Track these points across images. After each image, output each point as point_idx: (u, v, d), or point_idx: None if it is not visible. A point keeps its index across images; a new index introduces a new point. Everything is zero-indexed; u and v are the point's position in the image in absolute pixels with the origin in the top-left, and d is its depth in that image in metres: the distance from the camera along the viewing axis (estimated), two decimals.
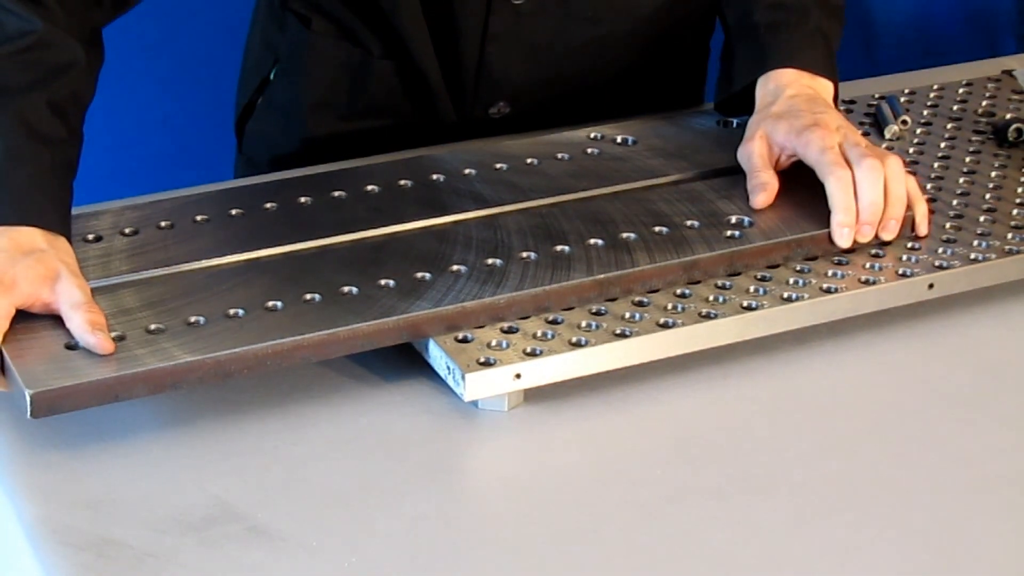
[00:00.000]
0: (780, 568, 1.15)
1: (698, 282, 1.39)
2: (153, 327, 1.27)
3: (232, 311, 1.30)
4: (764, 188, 1.48)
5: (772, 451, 1.27)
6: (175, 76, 2.56)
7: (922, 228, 1.47)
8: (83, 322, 1.26)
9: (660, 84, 1.77)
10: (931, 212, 1.49)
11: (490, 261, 1.38)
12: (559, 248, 1.40)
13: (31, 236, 1.31)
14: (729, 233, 1.43)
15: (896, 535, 1.18)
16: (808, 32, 1.59)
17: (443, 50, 1.65)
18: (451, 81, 1.67)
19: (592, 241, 1.41)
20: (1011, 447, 1.29)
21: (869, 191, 1.44)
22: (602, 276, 1.36)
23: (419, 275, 1.35)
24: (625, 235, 1.42)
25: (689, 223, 1.44)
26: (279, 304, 1.31)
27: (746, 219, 1.45)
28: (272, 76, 1.74)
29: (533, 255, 1.39)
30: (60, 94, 1.38)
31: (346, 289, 1.33)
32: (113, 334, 1.26)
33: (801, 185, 1.49)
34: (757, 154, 1.50)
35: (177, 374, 1.24)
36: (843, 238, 1.43)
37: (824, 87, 1.57)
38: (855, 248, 1.43)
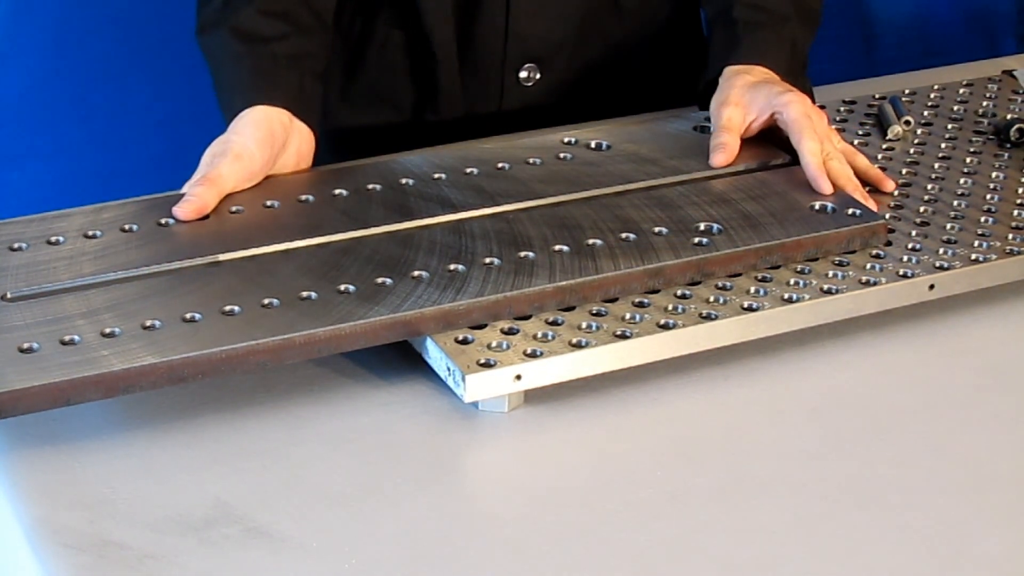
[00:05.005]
0: (780, 568, 1.15)
1: (699, 283, 1.39)
2: (109, 330, 1.27)
3: (189, 315, 1.29)
4: (724, 148, 1.54)
5: (772, 451, 1.27)
6: (171, 76, 2.55)
7: (887, 185, 1.55)
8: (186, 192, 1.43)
9: (688, 46, 1.78)
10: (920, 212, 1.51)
11: (452, 267, 1.37)
12: (523, 254, 1.39)
13: (256, 113, 1.49)
14: (697, 240, 1.42)
15: (896, 535, 1.18)
16: (783, 38, 1.64)
17: (464, 18, 1.66)
18: (472, 52, 1.68)
19: (557, 247, 1.40)
20: (1011, 447, 1.29)
21: (844, 172, 1.52)
22: (564, 283, 1.35)
23: (380, 280, 1.35)
24: (591, 241, 1.41)
25: (657, 230, 1.43)
26: (237, 308, 1.30)
27: (715, 226, 1.44)
28: None
29: (496, 261, 1.38)
30: (274, 3, 1.54)
31: (305, 294, 1.32)
32: (67, 337, 1.26)
33: (771, 192, 1.49)
34: (727, 115, 1.55)
35: (129, 378, 1.23)
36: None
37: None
38: (818, 257, 1.43)
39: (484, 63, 1.70)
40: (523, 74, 1.71)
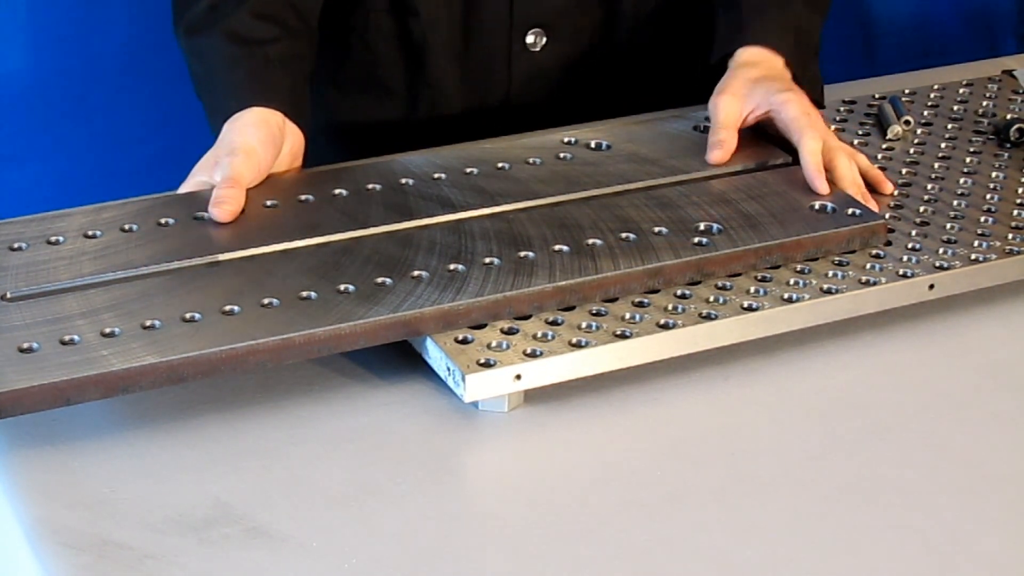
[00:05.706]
0: (780, 568, 1.15)
1: (699, 283, 1.39)
2: (108, 330, 1.27)
3: (189, 315, 1.29)
4: (722, 145, 1.54)
5: (772, 451, 1.27)
6: (171, 76, 2.56)
7: (886, 187, 1.56)
8: (215, 195, 1.42)
9: (695, 15, 1.79)
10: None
11: (452, 266, 1.37)
12: (523, 254, 1.39)
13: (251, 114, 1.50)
14: (696, 240, 1.42)
15: (896, 535, 1.18)
16: (787, 22, 1.64)
17: None
18: (478, 20, 1.68)
19: (557, 247, 1.40)
20: (1011, 447, 1.29)
21: (848, 174, 1.52)
22: (563, 283, 1.35)
23: (380, 280, 1.34)
24: (591, 241, 1.41)
25: (657, 230, 1.43)
26: (236, 308, 1.30)
27: (715, 226, 1.44)
28: None
29: (496, 261, 1.38)
30: (265, 6, 1.55)
31: (305, 294, 1.32)
32: (67, 337, 1.26)
33: (770, 192, 1.49)
34: (724, 110, 1.56)
35: (129, 378, 1.23)
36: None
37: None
38: (818, 257, 1.44)
39: (490, 30, 1.70)
40: (530, 39, 1.71)
